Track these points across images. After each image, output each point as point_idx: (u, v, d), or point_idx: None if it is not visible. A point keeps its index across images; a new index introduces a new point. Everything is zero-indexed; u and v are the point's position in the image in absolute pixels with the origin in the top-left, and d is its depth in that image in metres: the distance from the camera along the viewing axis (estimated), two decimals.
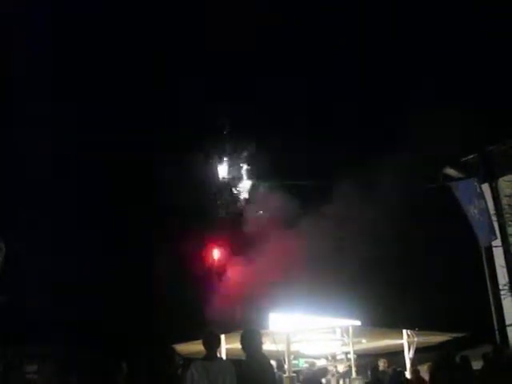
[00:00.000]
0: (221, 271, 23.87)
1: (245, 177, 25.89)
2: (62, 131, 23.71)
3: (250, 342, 5.93)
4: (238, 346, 6.25)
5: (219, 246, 25.05)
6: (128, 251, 24.59)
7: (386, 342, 15.41)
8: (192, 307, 21.56)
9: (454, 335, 14.23)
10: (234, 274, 22.54)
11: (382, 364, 13.04)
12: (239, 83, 26.90)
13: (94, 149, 24.44)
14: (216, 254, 25.04)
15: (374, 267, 18.84)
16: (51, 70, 24.04)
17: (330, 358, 15.28)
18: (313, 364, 14.27)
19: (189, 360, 7.64)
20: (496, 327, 12.40)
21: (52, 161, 23.53)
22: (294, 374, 13.07)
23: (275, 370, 9.04)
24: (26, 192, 22.54)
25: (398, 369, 13.19)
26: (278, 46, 25.93)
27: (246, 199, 25.52)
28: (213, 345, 5.83)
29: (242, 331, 6.15)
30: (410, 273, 19.29)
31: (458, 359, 9.62)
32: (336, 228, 20.07)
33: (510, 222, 11.70)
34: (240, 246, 23.73)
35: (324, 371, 14.47)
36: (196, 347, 11.51)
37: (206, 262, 24.56)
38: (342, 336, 13.74)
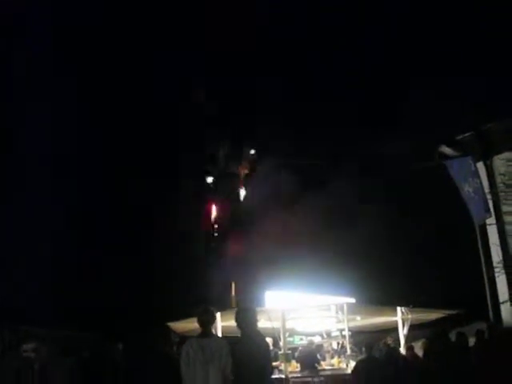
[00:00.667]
0: (221, 229, 24.00)
1: (245, 153, 25.86)
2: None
3: (245, 319, 5.95)
4: (233, 323, 6.28)
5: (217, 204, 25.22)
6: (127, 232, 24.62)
7: (381, 319, 15.53)
8: (189, 283, 21.65)
9: (448, 312, 14.34)
10: (232, 249, 22.61)
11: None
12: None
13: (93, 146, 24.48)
14: (214, 210, 25.22)
15: (369, 246, 18.90)
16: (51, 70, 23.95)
17: (324, 335, 15.40)
18: (311, 342, 14.39)
19: (184, 338, 7.68)
20: (489, 304, 12.52)
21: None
22: (290, 351, 13.17)
23: (271, 347, 9.13)
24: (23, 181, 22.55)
25: (392, 345, 13.27)
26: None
27: (245, 174, 25.54)
28: (208, 322, 5.84)
29: (236, 309, 6.19)
30: (404, 251, 19.36)
31: (453, 336, 9.71)
32: (331, 207, 20.09)
33: (504, 201, 11.77)
34: (238, 222, 23.79)
35: (319, 347, 14.61)
36: (192, 325, 11.56)
37: (205, 220, 24.67)
38: (337, 313, 13.84)
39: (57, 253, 21.96)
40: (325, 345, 15.03)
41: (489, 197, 11.72)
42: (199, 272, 22.43)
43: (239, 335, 6.02)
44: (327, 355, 14.59)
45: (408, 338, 13.95)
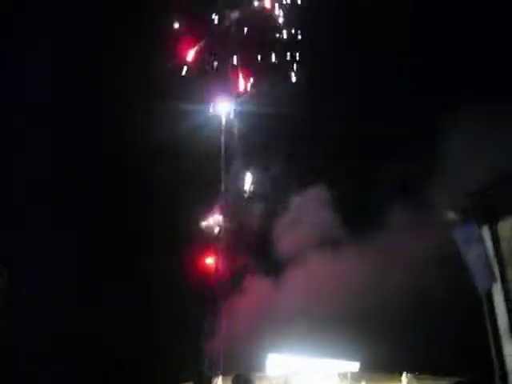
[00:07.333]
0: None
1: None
2: None
3: None
4: None
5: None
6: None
7: None
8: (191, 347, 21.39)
9: (456, 380, 14.02)
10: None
11: None
12: None
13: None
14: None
15: (376, 310, 18.70)
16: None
17: None
18: None
19: None
20: (497, 372, 12.21)
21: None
22: None
23: None
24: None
25: None
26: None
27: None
28: None
29: (232, 377, 6.08)
30: (410, 315, 19.09)
31: None
32: (337, 271, 20.07)
33: (510, 267, 11.59)
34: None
35: None
36: None
37: None
38: (341, 382, 13.58)
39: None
40: None
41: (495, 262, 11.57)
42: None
43: None
44: None
45: None
